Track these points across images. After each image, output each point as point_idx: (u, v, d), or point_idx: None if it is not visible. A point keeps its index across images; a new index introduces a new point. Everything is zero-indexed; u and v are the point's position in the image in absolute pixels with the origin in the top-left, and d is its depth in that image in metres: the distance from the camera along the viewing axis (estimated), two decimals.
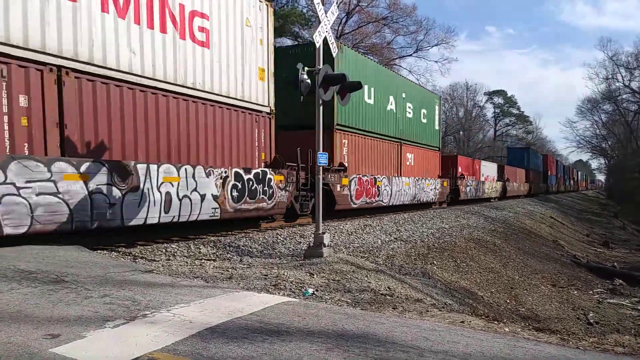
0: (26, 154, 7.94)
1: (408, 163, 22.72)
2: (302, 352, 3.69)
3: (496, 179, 40.09)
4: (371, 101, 19.06)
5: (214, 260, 8.99)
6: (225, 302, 5.13)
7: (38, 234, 7.92)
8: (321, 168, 9.40)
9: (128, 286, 5.65)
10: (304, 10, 42.79)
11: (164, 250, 9.57)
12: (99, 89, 9.08)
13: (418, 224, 17.20)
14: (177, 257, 9.16)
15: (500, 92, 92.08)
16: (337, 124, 16.67)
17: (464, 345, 4.09)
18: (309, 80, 9.05)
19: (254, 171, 12.51)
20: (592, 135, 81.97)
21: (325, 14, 9.20)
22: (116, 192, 9.09)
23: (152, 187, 9.77)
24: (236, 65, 12.21)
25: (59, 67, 8.42)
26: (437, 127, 26.73)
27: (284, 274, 7.44)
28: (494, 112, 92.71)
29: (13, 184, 7.56)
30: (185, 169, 10.52)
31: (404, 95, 22.10)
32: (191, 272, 7.50)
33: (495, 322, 5.89)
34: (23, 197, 7.66)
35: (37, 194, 7.83)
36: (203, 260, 8.78)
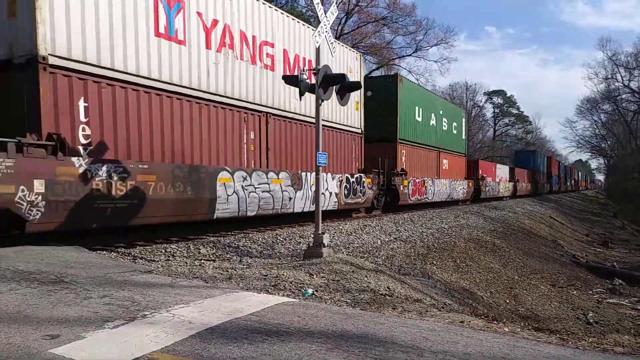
0: (255, 167, 13.04)
1: (444, 167, 27.49)
2: (301, 353, 3.69)
3: (508, 180, 44.59)
4: (420, 119, 24.01)
5: (214, 260, 8.99)
6: (224, 303, 5.12)
7: (260, 216, 13.23)
8: (320, 168, 9.39)
9: (127, 287, 5.65)
10: (304, 10, 42.77)
11: (163, 251, 9.56)
12: (282, 125, 14.25)
13: (417, 224, 17.20)
14: (176, 257, 9.16)
15: (500, 92, 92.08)
16: (399, 138, 21.34)
17: (463, 345, 4.09)
18: (308, 81, 9.06)
19: (355, 176, 17.75)
20: (592, 135, 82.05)
21: (325, 14, 9.20)
22: (292, 191, 14.22)
23: (308, 188, 14.86)
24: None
25: (266, 114, 13.53)
26: (463, 137, 31.95)
27: (283, 275, 7.44)
28: (494, 112, 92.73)
29: (253, 185, 12.76)
30: (323, 175, 15.00)
31: (441, 112, 26.96)
32: (191, 272, 7.50)
33: (495, 322, 5.89)
34: (256, 193, 12.87)
35: (262, 191, 13.07)
36: (202, 261, 8.78)
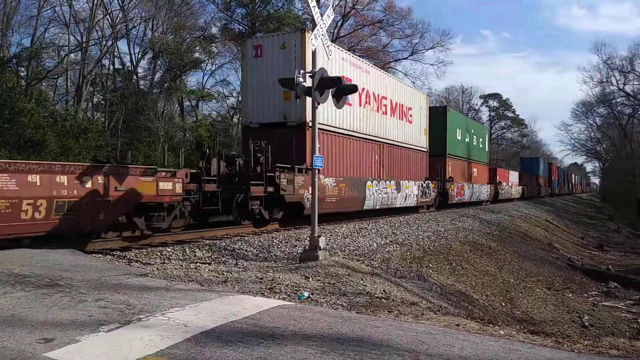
0: (378, 177, 20.22)
1: (474, 175, 34.75)
2: (297, 356, 3.69)
3: (517, 184, 51.28)
4: (459, 137, 30.93)
5: (209, 263, 8.97)
6: (220, 306, 5.11)
7: (379, 209, 20.03)
8: (317, 171, 9.39)
9: (123, 290, 5.63)
10: (300, 13, 42.86)
11: (158, 254, 9.53)
12: (390, 150, 21.44)
13: (413, 227, 17.20)
14: (172, 260, 9.13)
15: (496, 96, 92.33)
16: (447, 154, 28.39)
17: (459, 348, 4.09)
18: (304, 84, 9.07)
19: (426, 182, 24.58)
20: (587, 139, 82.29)
21: (321, 17, 9.22)
22: (395, 193, 20.89)
23: (403, 190, 21.61)
24: (420, 129, 24.94)
25: (382, 143, 20.67)
26: (486, 150, 39.89)
27: (279, 278, 7.42)
28: (490, 115, 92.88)
29: (379, 189, 19.76)
30: (408, 181, 22.39)
31: (472, 130, 34.57)
32: (186, 275, 7.48)
33: (491, 325, 5.89)
34: (381, 194, 19.89)
35: (384, 193, 20.09)
36: (198, 264, 8.76)
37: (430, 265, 12.43)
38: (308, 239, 9.64)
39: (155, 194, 10.48)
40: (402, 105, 22.65)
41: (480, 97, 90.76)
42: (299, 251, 10.22)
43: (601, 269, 20.96)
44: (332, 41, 25.77)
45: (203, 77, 47.19)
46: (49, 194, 8.23)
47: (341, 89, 9.67)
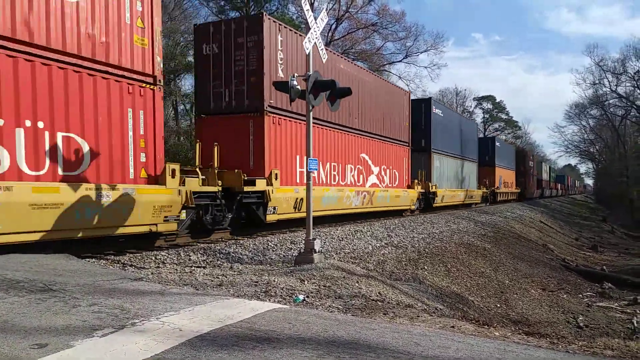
0: None
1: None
2: (293, 359, 3.68)
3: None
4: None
5: (204, 267, 8.94)
6: (215, 310, 5.09)
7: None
8: (311, 174, 9.39)
9: (117, 294, 5.60)
10: (294, 17, 42.88)
11: (153, 258, 9.49)
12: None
13: (409, 229, 17.22)
14: (166, 264, 9.10)
15: (489, 98, 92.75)
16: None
17: (454, 350, 4.10)
18: (299, 87, 9.07)
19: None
20: (580, 140, 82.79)
21: (315, 20, 9.24)
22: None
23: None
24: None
25: None
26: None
27: (274, 281, 7.41)
28: (483, 117, 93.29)
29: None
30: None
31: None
32: (181, 279, 7.45)
33: (486, 326, 5.91)
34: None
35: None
36: (193, 268, 8.73)
37: (426, 267, 12.44)
38: (303, 241, 9.63)
39: None
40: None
41: (474, 99, 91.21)
42: (294, 254, 10.20)
43: (595, 270, 21.04)
44: (326, 44, 25.66)
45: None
46: None
47: (335, 92, 9.69)
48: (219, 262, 9.55)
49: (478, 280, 13.84)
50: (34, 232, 7.92)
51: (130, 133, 9.67)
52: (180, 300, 5.47)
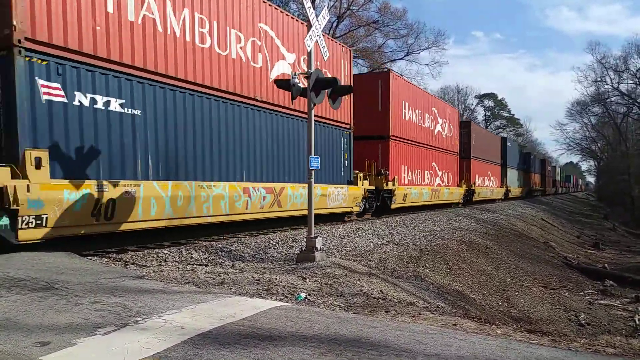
0: None
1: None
2: (295, 357, 3.68)
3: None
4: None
5: (206, 265, 8.95)
6: (217, 308, 5.10)
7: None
8: (313, 172, 9.38)
9: (119, 292, 5.61)
10: (296, 14, 42.80)
11: (155, 256, 9.50)
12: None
13: (410, 227, 17.23)
14: (168, 262, 9.10)
15: (491, 95, 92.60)
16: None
17: (456, 347, 4.09)
18: (300, 85, 9.06)
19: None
20: (582, 138, 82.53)
21: (317, 18, 9.22)
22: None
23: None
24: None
25: None
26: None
27: (276, 279, 7.41)
28: (485, 115, 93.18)
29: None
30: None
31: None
32: (183, 277, 7.46)
33: (488, 324, 5.90)
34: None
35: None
36: (195, 266, 8.74)
37: (427, 265, 12.44)
38: (305, 239, 9.63)
39: None
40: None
41: (476, 97, 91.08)
42: (295, 252, 10.21)
43: (597, 268, 21.04)
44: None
45: None
46: None
47: (337, 90, 9.68)
48: (220, 260, 9.55)
49: (480, 278, 13.84)
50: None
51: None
52: (182, 299, 5.48)
